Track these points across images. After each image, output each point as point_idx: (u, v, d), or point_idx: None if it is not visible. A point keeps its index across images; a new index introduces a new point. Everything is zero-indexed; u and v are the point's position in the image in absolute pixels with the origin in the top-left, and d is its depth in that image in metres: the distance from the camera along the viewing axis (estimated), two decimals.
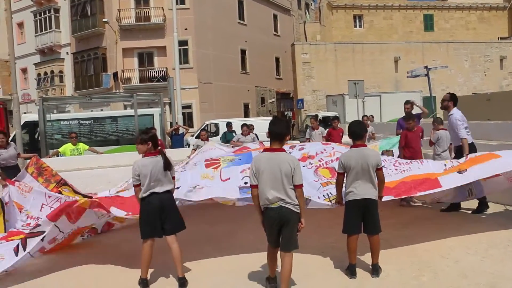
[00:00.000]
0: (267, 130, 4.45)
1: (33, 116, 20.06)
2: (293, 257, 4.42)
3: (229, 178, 6.08)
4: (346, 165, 4.87)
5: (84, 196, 7.90)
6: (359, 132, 4.99)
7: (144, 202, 4.84)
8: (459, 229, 6.40)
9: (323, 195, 5.63)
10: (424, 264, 5.17)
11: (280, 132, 4.33)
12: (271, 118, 5.26)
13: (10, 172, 7.98)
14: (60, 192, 7.62)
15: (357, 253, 5.03)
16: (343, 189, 5.06)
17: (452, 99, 7.74)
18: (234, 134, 15.05)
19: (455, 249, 5.63)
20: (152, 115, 18.01)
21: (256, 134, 14.40)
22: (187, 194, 5.66)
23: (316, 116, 13.73)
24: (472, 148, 7.46)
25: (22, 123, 18.27)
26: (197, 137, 20.34)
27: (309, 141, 12.10)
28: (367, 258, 5.18)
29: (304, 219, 4.39)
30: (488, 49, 35.03)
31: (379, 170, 4.88)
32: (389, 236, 5.93)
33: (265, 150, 4.51)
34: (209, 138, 18.97)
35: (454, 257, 5.34)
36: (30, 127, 18.40)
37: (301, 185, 4.26)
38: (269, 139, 4.46)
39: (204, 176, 6.13)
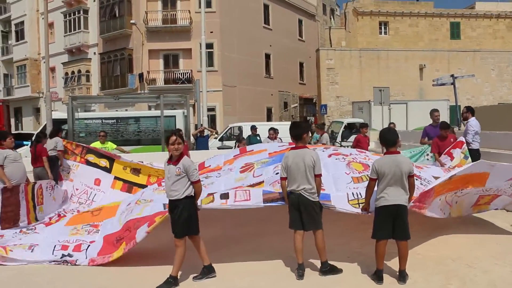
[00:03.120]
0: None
1: (57, 114, 20.48)
2: None
3: (261, 175, 6.24)
4: (379, 171, 4.91)
5: (109, 158, 8.35)
6: (392, 139, 5.05)
7: None
8: (486, 239, 6.37)
9: (352, 194, 5.61)
10: (452, 273, 5.16)
11: (298, 133, 5.29)
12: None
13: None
14: (87, 161, 8.19)
15: (384, 258, 5.05)
16: (374, 195, 5.09)
17: (468, 110, 9.44)
18: (258, 137, 15.12)
19: (482, 259, 5.59)
20: (175, 116, 18.14)
21: (280, 138, 14.49)
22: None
23: (323, 124, 15.38)
24: (476, 154, 8.84)
25: (45, 122, 18.61)
26: (221, 140, 20.55)
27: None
28: (393, 264, 5.20)
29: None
30: None
31: (410, 177, 4.92)
32: (415, 243, 5.93)
33: (292, 148, 5.39)
34: (231, 141, 19.11)
35: (482, 267, 5.31)
36: (53, 124, 18.71)
37: (320, 175, 5.19)
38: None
39: (237, 180, 6.33)
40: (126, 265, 5.64)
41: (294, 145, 5.39)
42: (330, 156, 6.61)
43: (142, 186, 8.16)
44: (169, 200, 5.05)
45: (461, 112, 9.76)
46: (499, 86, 33.85)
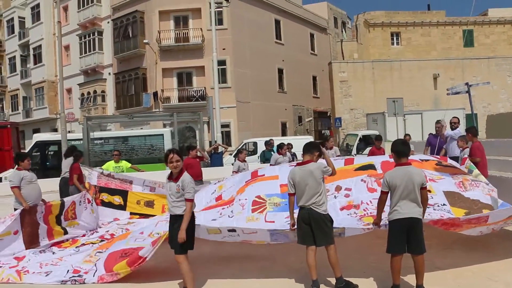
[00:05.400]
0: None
1: (44, 136, 20.70)
2: None
3: (273, 221, 6.19)
4: (391, 183, 4.83)
5: (121, 192, 8.36)
6: (404, 150, 4.98)
7: None
8: (507, 251, 6.20)
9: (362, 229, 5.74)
10: (472, 287, 5.03)
11: (309, 148, 5.40)
12: (308, 137, 6.09)
13: None
14: (102, 202, 8.22)
15: (401, 273, 4.94)
16: (388, 209, 5.01)
17: (459, 121, 10.32)
18: (272, 152, 15.08)
19: (504, 271, 5.44)
20: (162, 135, 18.21)
21: (294, 153, 14.37)
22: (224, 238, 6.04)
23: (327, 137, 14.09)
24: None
25: (33, 143, 18.83)
26: (235, 156, 20.51)
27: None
28: (411, 279, 5.08)
29: None
30: None
31: (423, 189, 4.83)
32: (433, 256, 5.80)
33: (298, 164, 5.49)
34: (247, 157, 18.92)
35: (504, 280, 5.16)
36: (41, 147, 18.86)
37: (331, 172, 5.31)
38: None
39: (249, 219, 6.35)
40: (136, 282, 5.64)
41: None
42: (342, 209, 6.45)
43: None
44: (171, 215, 5.09)
45: (451, 121, 10.23)
46: None
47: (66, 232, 7.54)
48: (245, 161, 10.67)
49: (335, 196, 6.64)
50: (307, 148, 5.41)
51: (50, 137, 20.08)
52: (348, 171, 7.18)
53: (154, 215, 8.29)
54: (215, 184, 7.94)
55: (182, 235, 4.83)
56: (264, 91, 32.01)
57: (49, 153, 19.53)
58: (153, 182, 8.84)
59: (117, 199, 8.50)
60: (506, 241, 6.75)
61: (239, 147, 21.08)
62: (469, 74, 31.58)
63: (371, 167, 7.17)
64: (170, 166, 5.01)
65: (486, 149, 8.95)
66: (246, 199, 6.78)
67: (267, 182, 7.11)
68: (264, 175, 7.38)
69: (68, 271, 6.01)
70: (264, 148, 15.66)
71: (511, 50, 39.50)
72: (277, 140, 15.66)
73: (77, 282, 5.71)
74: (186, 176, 5.00)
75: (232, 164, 12.98)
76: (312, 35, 39.24)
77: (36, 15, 38.57)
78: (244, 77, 30.66)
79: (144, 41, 29.94)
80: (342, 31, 45.06)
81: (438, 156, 8.09)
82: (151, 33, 30.24)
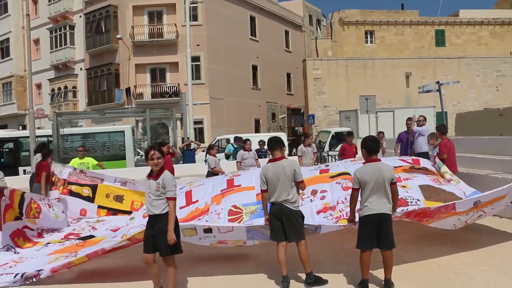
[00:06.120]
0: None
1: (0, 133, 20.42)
2: None
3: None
4: (361, 180, 4.88)
5: (91, 185, 8.21)
6: (373, 147, 5.04)
7: None
8: (472, 244, 6.37)
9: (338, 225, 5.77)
10: (438, 280, 5.13)
11: (275, 146, 5.42)
12: (282, 133, 6.01)
13: None
14: (70, 191, 8.04)
15: (370, 268, 4.99)
16: (358, 205, 5.05)
17: (425, 119, 10.62)
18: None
19: (469, 264, 5.57)
20: (123, 131, 18.07)
21: (267, 150, 14.34)
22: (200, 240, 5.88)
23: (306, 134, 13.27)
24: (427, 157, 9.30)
25: None
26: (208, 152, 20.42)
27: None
28: (379, 273, 5.14)
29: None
30: (500, 64, 34.75)
31: (393, 184, 4.90)
32: (402, 251, 5.90)
33: (270, 161, 5.45)
34: (218, 154, 18.74)
35: (469, 273, 5.29)
36: None
37: (302, 181, 5.28)
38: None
39: None
40: (110, 281, 5.54)
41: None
42: (318, 213, 6.43)
43: (127, 212, 8.11)
44: (150, 215, 4.84)
45: (417, 119, 10.51)
46: (484, 92, 34.16)
47: (19, 218, 7.09)
48: (215, 156, 10.97)
49: (311, 200, 6.64)
50: (276, 144, 5.42)
51: (4, 134, 19.73)
52: (323, 178, 7.19)
53: (122, 210, 8.15)
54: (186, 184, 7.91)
55: (172, 236, 4.62)
56: (238, 87, 31.96)
57: (4, 150, 19.16)
58: (124, 179, 8.71)
59: (86, 191, 8.32)
60: (468, 234, 6.91)
61: (210, 145, 21.02)
62: (440, 73, 32.20)
63: (346, 174, 7.14)
64: (151, 163, 4.81)
65: (455, 146, 9.14)
66: (222, 208, 6.67)
67: (244, 193, 7.00)
68: (240, 185, 7.23)
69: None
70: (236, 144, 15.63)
71: (480, 51, 40.43)
72: (244, 136, 15.56)
73: (34, 278, 5.49)
74: (167, 174, 4.82)
75: (205, 161, 13.04)
76: (287, 32, 39.36)
77: (3, 7, 37.49)
78: (218, 74, 30.53)
79: (117, 36, 29.48)
80: (317, 29, 45.32)
81: (411, 161, 8.15)
82: (124, 28, 29.81)
